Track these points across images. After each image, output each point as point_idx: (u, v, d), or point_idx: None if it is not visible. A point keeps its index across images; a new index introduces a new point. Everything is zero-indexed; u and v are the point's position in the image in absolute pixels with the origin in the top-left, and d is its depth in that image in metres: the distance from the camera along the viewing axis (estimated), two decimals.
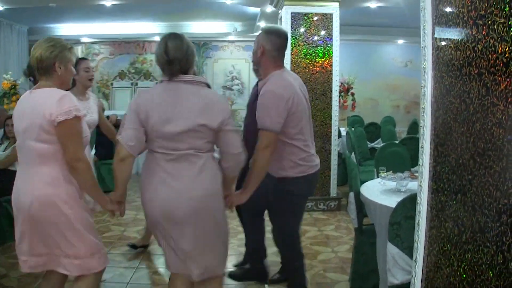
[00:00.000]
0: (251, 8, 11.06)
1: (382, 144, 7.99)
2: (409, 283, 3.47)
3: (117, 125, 6.59)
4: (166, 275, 5.11)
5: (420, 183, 2.59)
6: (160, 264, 5.74)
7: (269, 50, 4.06)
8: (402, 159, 6.67)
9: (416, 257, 2.62)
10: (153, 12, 12.21)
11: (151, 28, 13.75)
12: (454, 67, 2.22)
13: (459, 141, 2.17)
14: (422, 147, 2.57)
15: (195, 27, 13.66)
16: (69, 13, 11.72)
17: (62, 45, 3.42)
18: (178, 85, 3.35)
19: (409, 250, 3.54)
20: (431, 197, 2.50)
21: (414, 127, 12.35)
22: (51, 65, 3.33)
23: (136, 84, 15.06)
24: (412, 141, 7.59)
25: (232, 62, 14.75)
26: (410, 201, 3.63)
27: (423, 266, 2.58)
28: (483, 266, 1.96)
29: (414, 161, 6.90)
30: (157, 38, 14.30)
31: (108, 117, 6.13)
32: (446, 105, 2.30)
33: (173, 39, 3.36)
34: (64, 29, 13.57)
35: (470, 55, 2.06)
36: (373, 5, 9.66)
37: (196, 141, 3.31)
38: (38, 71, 3.37)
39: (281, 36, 4.13)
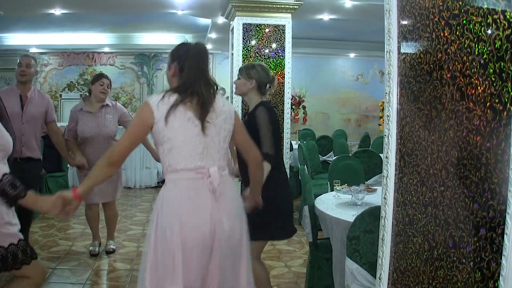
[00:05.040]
0: (202, 19, 10.92)
1: (335, 157, 7.90)
2: None
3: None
4: None
5: (384, 196, 2.45)
6: (108, 280, 5.52)
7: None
8: (356, 172, 6.58)
9: (381, 274, 2.47)
10: (103, 23, 11.98)
11: (100, 39, 13.51)
12: (423, 72, 2.09)
13: (429, 150, 2.04)
14: (386, 157, 2.43)
15: (145, 39, 13.48)
16: (18, 23, 11.40)
17: None
18: None
19: (368, 265, 3.42)
20: (396, 210, 2.36)
21: (366, 141, 12.36)
22: None
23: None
24: (366, 154, 7.55)
25: None
26: (369, 215, 3.51)
27: (388, 283, 2.43)
28: (459, 284, 1.82)
29: (367, 174, 6.84)
30: (107, 50, 14.08)
31: None
32: (414, 112, 2.17)
33: None
34: (13, 39, 13.19)
35: (442, 58, 1.93)
36: (326, 17, 9.63)
37: None
38: None
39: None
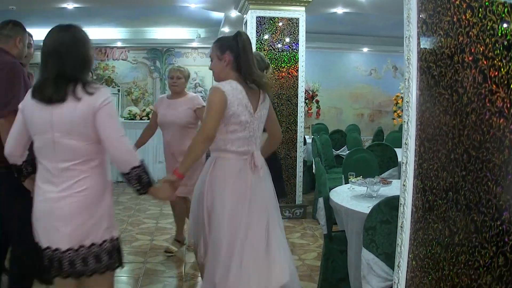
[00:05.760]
0: (215, 13, 10.90)
1: (349, 151, 7.87)
2: None
3: None
4: None
5: (403, 182, 2.43)
6: (122, 272, 5.53)
7: None
8: (370, 165, 6.54)
9: (399, 261, 2.45)
10: (116, 18, 11.95)
11: (113, 34, 13.46)
12: (444, 56, 2.06)
13: (450, 135, 2.01)
14: (406, 143, 2.40)
15: (158, 33, 13.45)
16: (30, 17, 11.36)
17: None
18: None
19: (385, 256, 3.40)
20: (416, 196, 2.34)
21: (380, 135, 12.31)
22: None
23: None
24: (380, 147, 7.50)
25: (195, 69, 14.49)
26: (385, 205, 3.48)
27: (407, 271, 2.41)
28: (481, 269, 1.79)
29: (381, 168, 6.80)
30: (119, 44, 14.06)
31: None
32: (435, 97, 2.15)
33: None
34: None
35: (464, 41, 1.91)
36: (340, 10, 9.57)
37: None
38: None
39: None
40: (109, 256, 3.03)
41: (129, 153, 2.97)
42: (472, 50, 1.85)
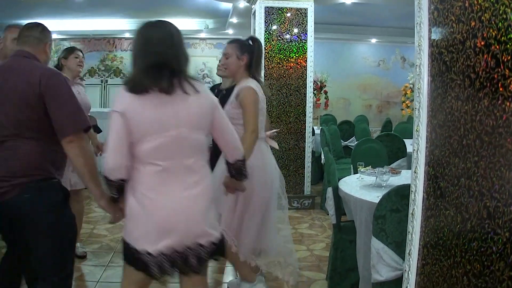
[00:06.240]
0: (224, 4, 10.85)
1: (358, 141, 7.85)
2: (394, 279, 3.33)
3: None
4: None
5: (414, 170, 2.41)
6: None
7: None
8: (379, 155, 6.52)
9: (410, 249, 2.44)
10: (124, 8, 11.93)
11: (121, 25, 13.44)
12: (455, 41, 2.05)
13: (462, 121, 2.00)
14: (417, 130, 2.39)
15: None
16: (38, 8, 11.36)
17: None
18: None
19: (394, 245, 3.39)
20: (427, 183, 2.33)
21: (388, 126, 12.27)
22: None
23: (106, 81, 14.76)
24: (388, 138, 7.48)
25: (203, 60, 14.53)
26: (395, 194, 3.48)
27: (418, 258, 2.40)
28: (493, 255, 1.78)
29: (390, 158, 6.78)
30: (128, 35, 14.04)
31: None
32: (446, 83, 2.13)
33: None
34: None
35: (476, 26, 1.89)
36: (348, 1, 9.51)
37: None
38: None
39: None
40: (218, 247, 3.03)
41: (239, 142, 3.26)
42: (484, 35, 1.83)
